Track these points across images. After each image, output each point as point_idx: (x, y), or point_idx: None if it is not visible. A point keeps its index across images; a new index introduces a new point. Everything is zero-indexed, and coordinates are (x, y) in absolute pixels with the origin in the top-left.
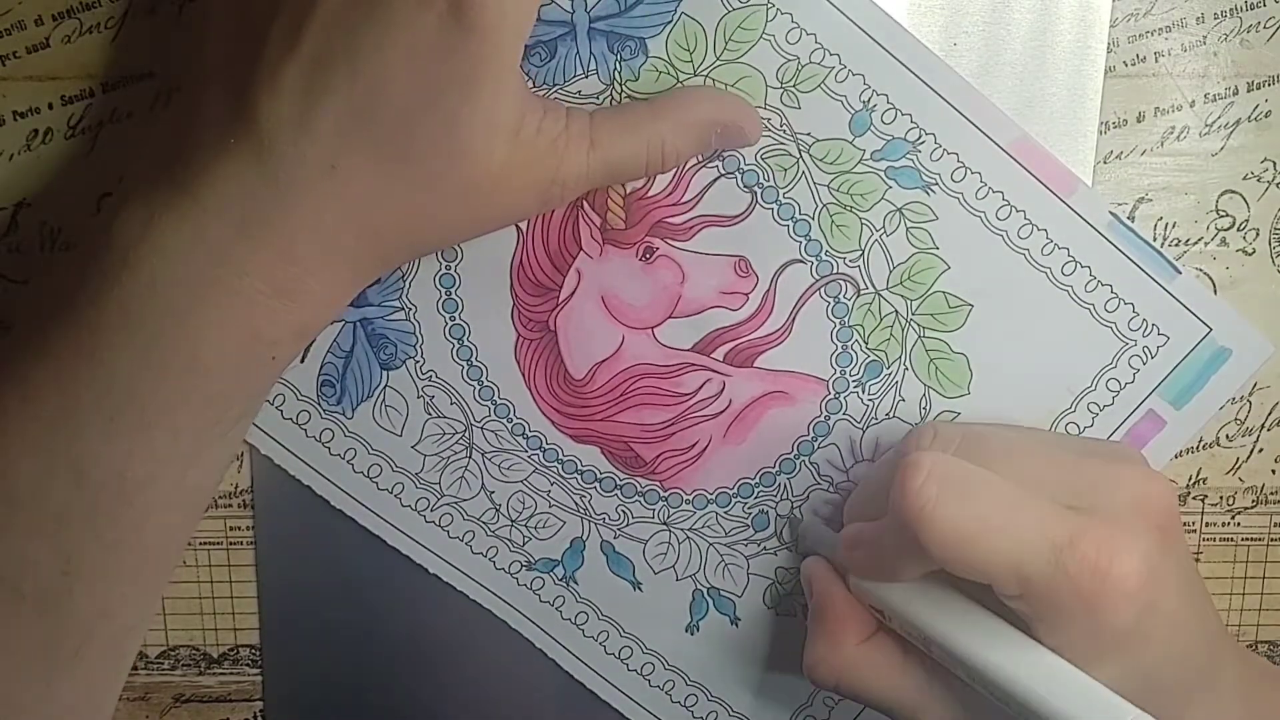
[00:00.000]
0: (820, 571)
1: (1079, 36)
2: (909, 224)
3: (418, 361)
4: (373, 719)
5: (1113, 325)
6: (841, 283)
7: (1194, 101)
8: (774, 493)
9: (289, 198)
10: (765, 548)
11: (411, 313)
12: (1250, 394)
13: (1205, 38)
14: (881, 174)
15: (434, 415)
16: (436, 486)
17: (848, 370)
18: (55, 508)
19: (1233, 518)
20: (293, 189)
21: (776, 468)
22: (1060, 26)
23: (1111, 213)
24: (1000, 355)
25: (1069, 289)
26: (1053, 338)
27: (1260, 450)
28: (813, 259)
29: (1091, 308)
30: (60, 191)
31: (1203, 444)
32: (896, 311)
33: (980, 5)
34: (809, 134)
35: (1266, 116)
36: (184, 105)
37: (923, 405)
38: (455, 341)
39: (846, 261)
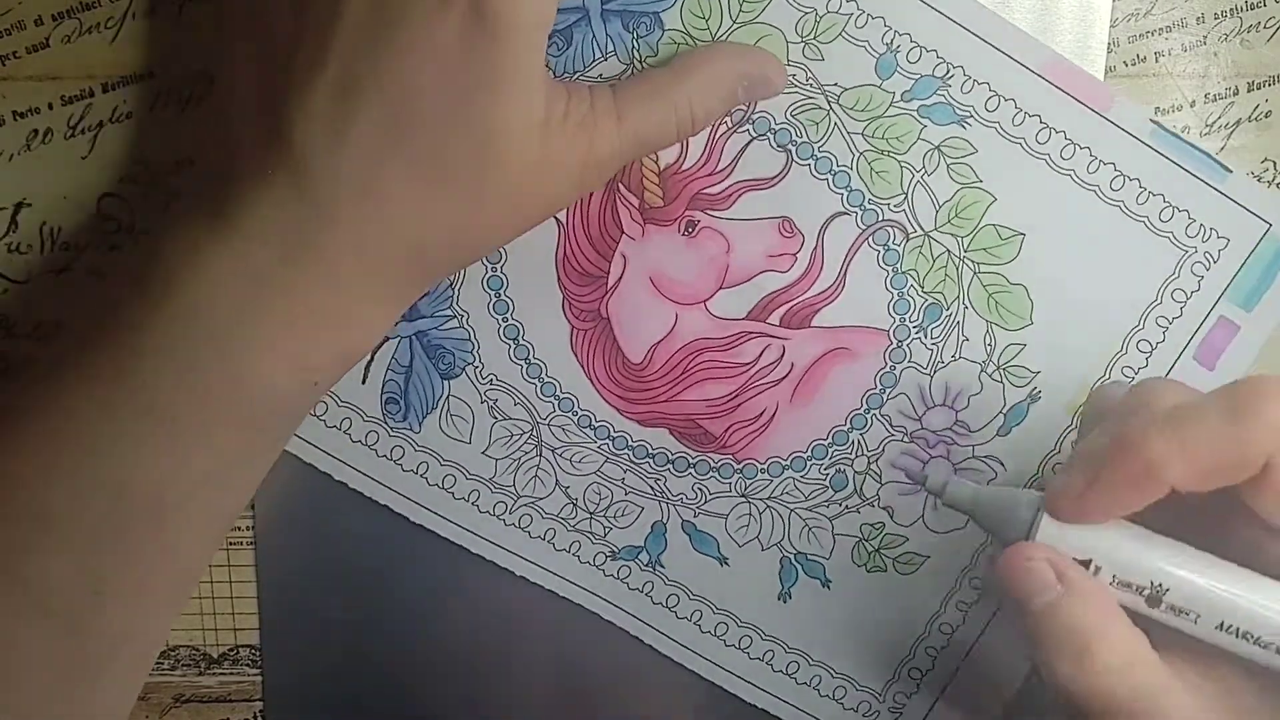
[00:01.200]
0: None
1: (1079, 36)
2: (949, 161)
3: (477, 367)
4: (372, 719)
5: (1170, 234)
6: (889, 229)
7: (1194, 101)
8: (848, 450)
9: (329, 220)
10: (847, 506)
11: (464, 319)
12: None
13: (1205, 38)
14: (914, 114)
15: (500, 418)
16: (512, 489)
17: (906, 317)
18: (89, 528)
19: None
20: (332, 211)
21: (848, 425)
22: (1060, 26)
23: (1153, 120)
24: (1059, 281)
25: (1120, 204)
26: (1110, 256)
27: None
28: (856, 209)
29: (1146, 220)
30: (60, 191)
31: None
32: (948, 251)
33: (984, 6)
34: (836, 84)
35: (1266, 116)
36: (219, 131)
37: (987, 342)
38: (511, 342)
39: (891, 207)
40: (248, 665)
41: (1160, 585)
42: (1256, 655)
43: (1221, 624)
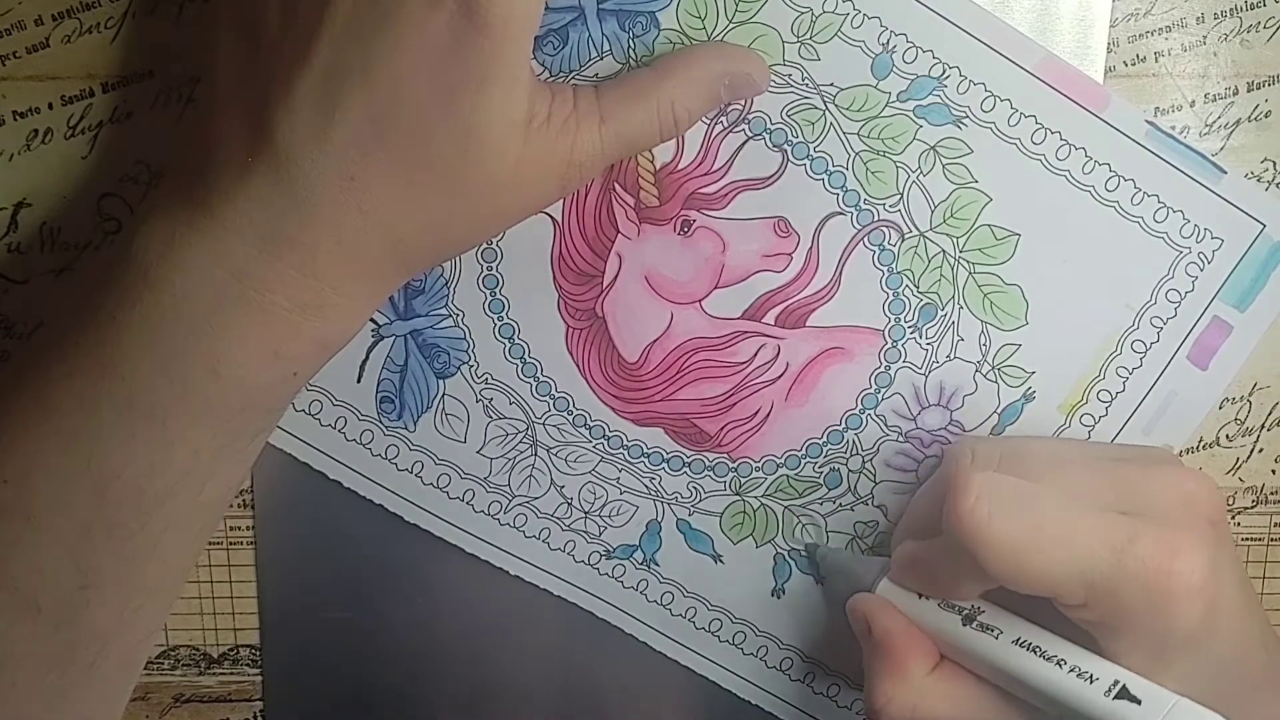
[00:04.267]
0: (875, 605)
1: (1079, 36)
2: (944, 161)
3: (471, 366)
4: (372, 718)
5: (1164, 235)
6: (884, 229)
7: (1194, 101)
8: (843, 449)
9: (309, 212)
10: (841, 504)
11: (460, 318)
12: (1250, 394)
13: (1205, 38)
14: (910, 114)
15: (495, 417)
16: (507, 488)
17: (902, 317)
18: (75, 522)
19: (1233, 518)
20: (312, 203)
21: (843, 424)
22: (1060, 26)
23: (1149, 121)
24: (1054, 281)
25: (1115, 204)
26: (1105, 256)
27: (1260, 450)
28: (852, 209)
29: (1141, 220)
30: (60, 191)
31: (1203, 444)
32: (944, 251)
33: (980, 6)
34: (832, 84)
35: (1266, 116)
36: (201, 122)
37: (982, 342)
38: (506, 341)
39: (886, 207)
40: (248, 665)
41: (976, 606)
42: (1042, 672)
43: (1019, 639)
